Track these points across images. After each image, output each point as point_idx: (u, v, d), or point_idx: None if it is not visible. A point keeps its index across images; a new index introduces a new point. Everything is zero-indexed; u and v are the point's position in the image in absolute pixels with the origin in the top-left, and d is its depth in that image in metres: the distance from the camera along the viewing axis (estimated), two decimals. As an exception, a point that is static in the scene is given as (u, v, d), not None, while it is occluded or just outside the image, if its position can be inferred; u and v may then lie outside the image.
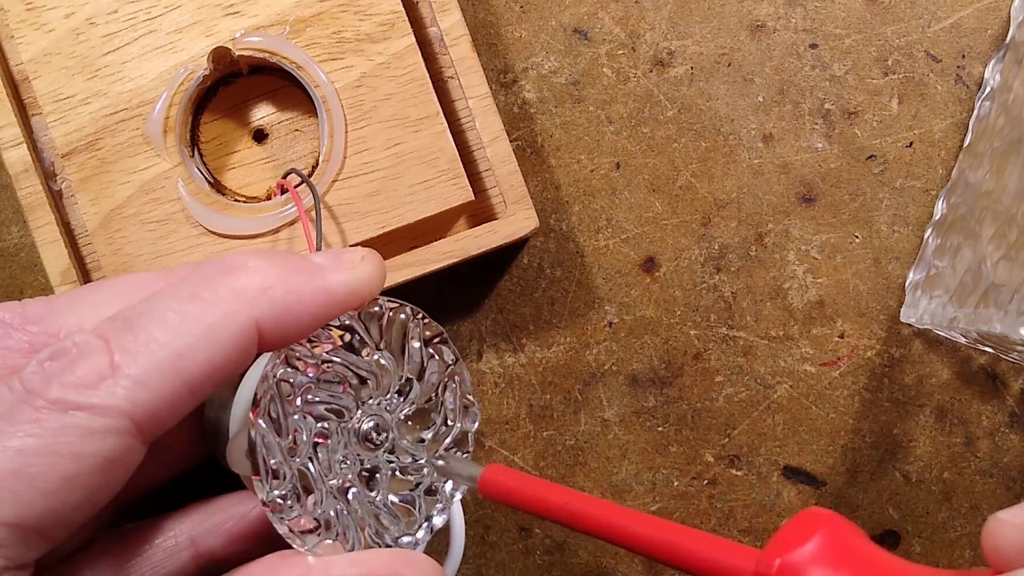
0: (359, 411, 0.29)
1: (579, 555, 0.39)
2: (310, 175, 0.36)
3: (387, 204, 0.35)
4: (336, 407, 0.29)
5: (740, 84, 0.39)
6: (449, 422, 0.31)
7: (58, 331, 0.27)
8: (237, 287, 0.26)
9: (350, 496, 0.29)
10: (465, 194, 0.36)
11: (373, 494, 0.29)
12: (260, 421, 0.27)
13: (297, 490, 0.27)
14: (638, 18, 0.39)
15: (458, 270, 0.38)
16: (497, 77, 0.39)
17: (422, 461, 0.30)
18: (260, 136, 0.38)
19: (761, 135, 0.39)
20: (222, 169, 0.38)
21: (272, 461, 0.27)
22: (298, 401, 0.28)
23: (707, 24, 0.39)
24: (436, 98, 0.36)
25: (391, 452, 0.30)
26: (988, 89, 0.38)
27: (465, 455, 0.31)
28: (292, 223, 0.36)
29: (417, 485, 0.30)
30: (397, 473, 0.30)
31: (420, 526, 0.30)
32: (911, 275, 0.38)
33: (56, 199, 0.36)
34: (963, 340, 0.37)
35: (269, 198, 0.37)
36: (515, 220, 0.36)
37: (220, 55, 0.36)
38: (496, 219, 0.36)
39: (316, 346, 0.28)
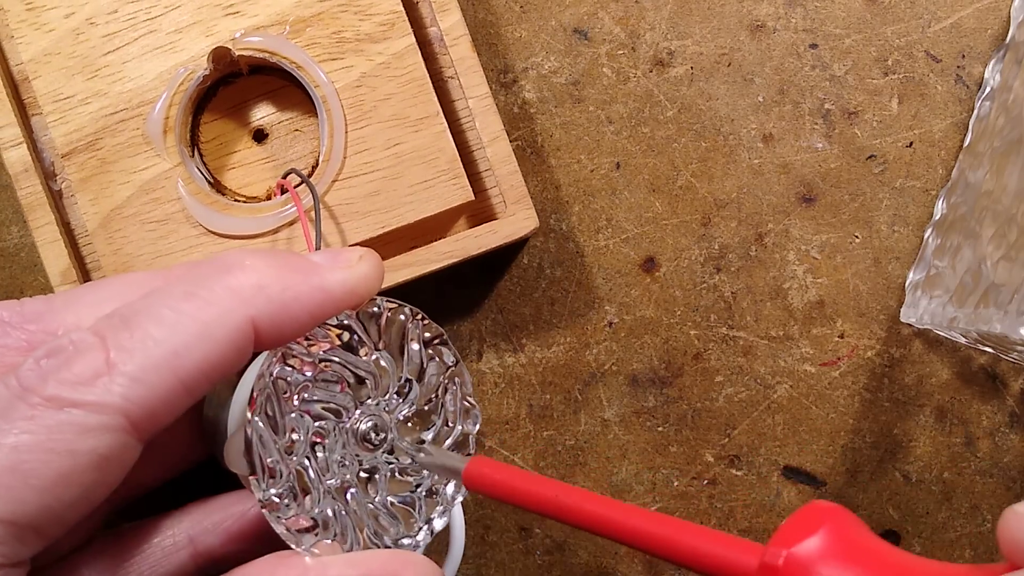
0: (357, 411, 0.29)
1: (579, 555, 0.39)
2: (310, 175, 0.36)
3: (387, 204, 0.35)
4: (334, 407, 0.29)
5: (740, 84, 0.39)
6: (450, 424, 0.31)
7: (56, 329, 0.27)
8: (234, 285, 0.26)
9: (349, 496, 0.29)
10: (465, 194, 0.36)
11: (372, 495, 0.29)
12: (256, 419, 0.27)
13: (294, 489, 0.27)
14: (638, 18, 0.39)
15: (458, 270, 0.38)
16: (497, 77, 0.39)
17: (410, 453, 0.30)
18: (260, 136, 0.38)
19: (761, 135, 0.39)
20: (222, 169, 0.38)
21: (269, 460, 0.27)
22: (295, 400, 0.28)
23: (707, 24, 0.39)
24: (436, 98, 0.36)
25: (390, 453, 0.30)
26: (988, 89, 0.38)
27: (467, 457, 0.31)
28: (292, 223, 0.36)
29: (417, 487, 0.30)
30: (397, 474, 0.30)
31: (420, 528, 0.30)
32: (911, 275, 0.38)
33: (56, 199, 0.36)
34: (963, 340, 0.37)
35: (269, 198, 0.37)
36: (515, 220, 0.36)
37: (220, 55, 0.36)
38: (496, 219, 0.36)
39: (313, 345, 0.28)
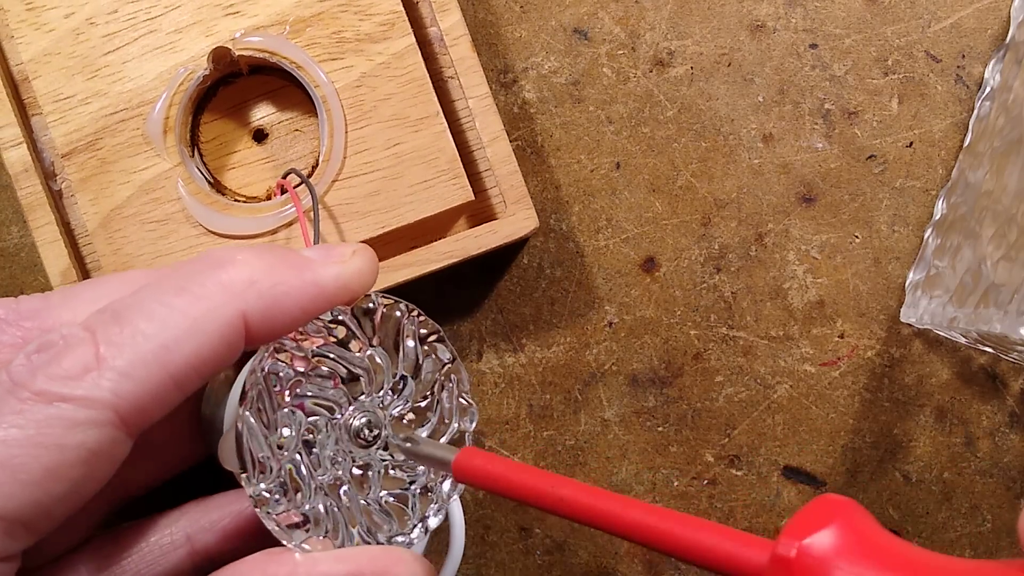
0: (351, 407, 0.29)
1: (579, 555, 0.39)
2: (310, 175, 0.36)
3: (387, 204, 0.35)
4: (327, 402, 0.28)
5: (740, 84, 0.39)
6: (446, 421, 0.31)
7: (52, 326, 0.27)
8: (224, 280, 0.26)
9: (341, 493, 0.28)
10: (465, 194, 0.36)
11: (365, 491, 0.29)
12: (247, 413, 0.27)
13: (284, 484, 0.27)
14: (638, 18, 0.39)
15: (458, 270, 0.38)
16: (497, 77, 0.39)
17: (398, 444, 0.29)
18: (260, 136, 0.38)
19: (761, 135, 0.39)
20: (222, 169, 0.38)
21: (259, 454, 0.27)
22: (287, 395, 0.27)
23: (707, 24, 0.39)
24: (436, 98, 0.36)
25: (385, 450, 0.30)
26: (988, 89, 0.38)
27: None
28: (291, 223, 0.36)
29: (411, 483, 0.30)
30: (391, 471, 0.30)
31: (415, 526, 0.30)
32: (911, 275, 0.38)
33: (56, 199, 0.36)
34: (963, 340, 0.37)
35: (269, 198, 0.37)
36: (515, 220, 0.36)
37: (220, 55, 0.36)
38: (496, 219, 0.36)
39: (306, 340, 0.28)
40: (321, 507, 0.28)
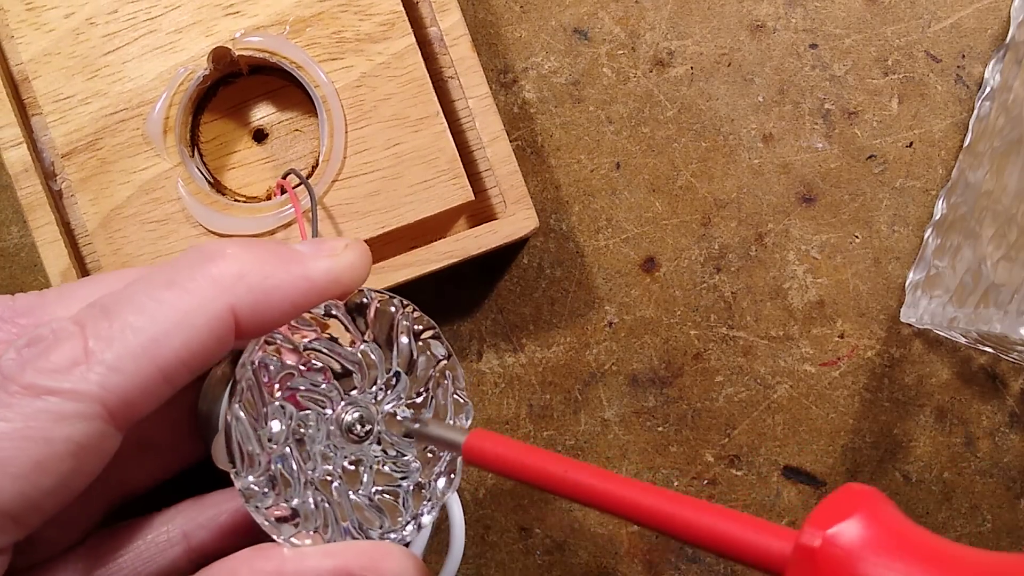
0: (343, 402, 0.29)
1: (579, 555, 0.39)
2: (310, 175, 0.36)
3: (387, 204, 0.35)
4: (318, 397, 0.28)
5: (740, 84, 0.39)
6: (441, 417, 0.31)
7: (46, 322, 0.27)
8: (214, 274, 0.26)
9: (333, 488, 0.28)
10: (465, 194, 0.36)
11: (357, 487, 0.29)
12: (236, 406, 0.27)
13: (273, 478, 0.27)
14: (638, 18, 0.39)
15: (458, 270, 0.38)
16: (497, 77, 0.39)
17: (407, 425, 0.29)
18: (260, 136, 0.38)
19: (761, 135, 0.39)
20: (222, 169, 0.38)
21: (248, 447, 0.27)
22: (277, 389, 0.27)
23: (707, 24, 0.39)
24: (436, 98, 0.36)
25: (377, 445, 0.29)
26: (988, 89, 0.38)
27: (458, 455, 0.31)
28: (291, 223, 0.36)
29: (404, 480, 0.30)
30: (384, 467, 0.30)
31: (407, 523, 0.30)
32: (911, 275, 0.38)
33: (56, 199, 0.36)
34: (963, 340, 0.37)
35: (269, 198, 0.37)
36: (515, 220, 0.36)
37: (220, 55, 0.36)
38: (496, 219, 0.36)
39: (297, 334, 0.28)
40: (311, 502, 0.28)
